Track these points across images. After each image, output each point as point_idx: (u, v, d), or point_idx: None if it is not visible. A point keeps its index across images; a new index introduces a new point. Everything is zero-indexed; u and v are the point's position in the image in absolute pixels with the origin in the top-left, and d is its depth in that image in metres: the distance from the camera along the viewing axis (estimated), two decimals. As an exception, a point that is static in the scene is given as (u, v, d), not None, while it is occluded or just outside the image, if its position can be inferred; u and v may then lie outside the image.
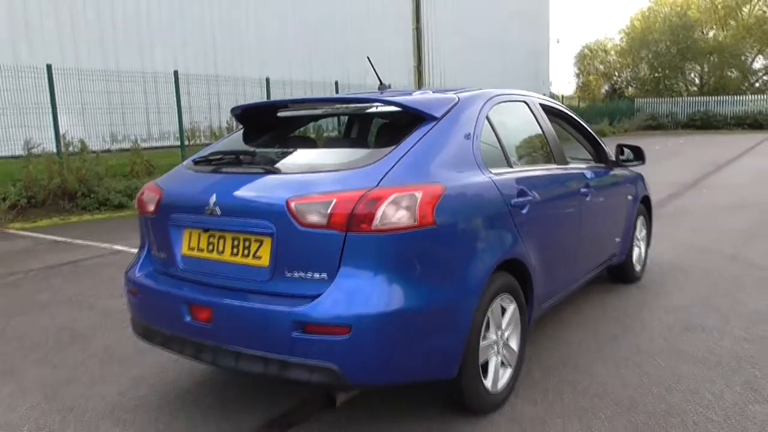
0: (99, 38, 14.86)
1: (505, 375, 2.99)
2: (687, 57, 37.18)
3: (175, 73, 12.05)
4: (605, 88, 41.29)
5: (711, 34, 38.63)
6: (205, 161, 3.08)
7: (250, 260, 2.59)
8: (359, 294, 2.35)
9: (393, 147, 2.66)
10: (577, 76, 42.02)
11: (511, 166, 3.21)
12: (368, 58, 3.77)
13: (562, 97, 36.94)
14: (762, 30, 37.27)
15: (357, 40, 20.25)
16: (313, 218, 2.40)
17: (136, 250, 3.27)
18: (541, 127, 3.74)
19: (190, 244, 2.81)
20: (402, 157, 2.58)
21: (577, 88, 41.29)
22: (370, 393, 3.07)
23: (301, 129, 3.86)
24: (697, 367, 3.32)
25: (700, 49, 37.17)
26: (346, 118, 3.60)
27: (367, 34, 20.86)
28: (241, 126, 3.53)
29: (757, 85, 38.56)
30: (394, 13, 22.66)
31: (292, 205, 2.44)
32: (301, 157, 2.98)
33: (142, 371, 3.56)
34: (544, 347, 3.68)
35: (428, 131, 2.76)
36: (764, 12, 37.67)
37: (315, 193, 2.44)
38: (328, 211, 2.38)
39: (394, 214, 2.38)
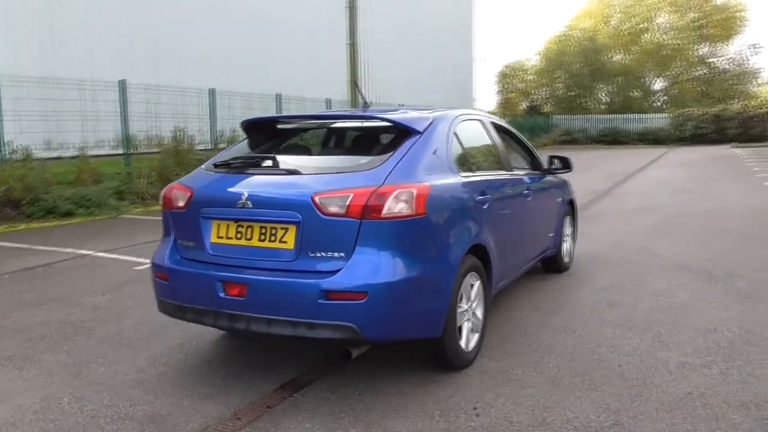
0: (38, 45, 14.67)
1: (474, 338, 3.71)
2: (597, 78, 40.02)
3: (122, 82, 12.19)
4: (524, 104, 43.65)
5: (617, 57, 41.68)
6: (225, 164, 3.66)
7: (276, 244, 3.20)
8: (373, 267, 3.01)
9: (390, 154, 3.35)
10: (499, 93, 44.24)
11: (473, 172, 3.97)
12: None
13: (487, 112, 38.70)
14: (660, 55, 40.65)
15: (297, 54, 20.80)
16: (334, 209, 3.05)
17: (102, 254, 3.75)
18: (492, 141, 4.53)
19: (218, 233, 3.37)
20: (398, 163, 3.27)
21: (498, 105, 43.41)
22: (369, 356, 3.72)
23: (301, 139, 4.48)
24: (618, 330, 4.17)
25: (608, 71, 40.10)
26: (343, 129, 4.25)
27: (308, 49, 21.45)
28: (246, 135, 4.10)
29: (657, 104, 41.89)
30: (333, 29, 23.38)
31: (317, 198, 3.08)
32: (313, 161, 3.63)
33: (153, 353, 4.03)
34: (497, 321, 4.42)
35: (415, 143, 3.46)
36: (661, 40, 41.11)
37: (334, 189, 3.10)
38: (347, 203, 3.04)
39: (397, 205, 3.06)
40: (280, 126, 4.12)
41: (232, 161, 3.66)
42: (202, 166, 3.84)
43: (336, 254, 3.07)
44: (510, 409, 3.07)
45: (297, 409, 3.18)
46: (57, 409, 3.26)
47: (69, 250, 7.40)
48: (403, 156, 3.34)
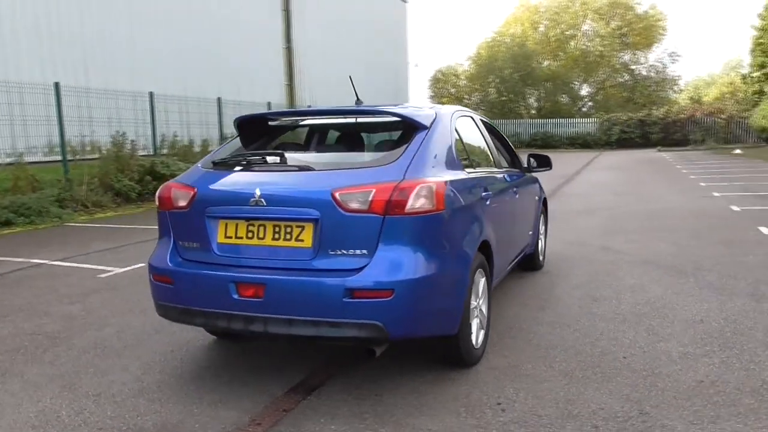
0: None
1: (481, 334, 3.71)
2: (527, 83, 41.29)
3: (57, 85, 11.56)
4: (457, 109, 44.46)
5: (546, 63, 43.16)
6: (225, 162, 3.51)
7: (292, 243, 3.09)
8: (398, 264, 2.96)
9: (403, 149, 3.30)
10: (431, 98, 44.80)
11: (474, 168, 3.98)
12: (350, 77, 4.35)
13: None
14: (586, 62, 42.44)
15: (233, 58, 20.36)
16: (355, 205, 2.98)
17: (59, 263, 3.55)
18: (484, 138, 4.57)
19: (227, 233, 3.23)
20: (413, 158, 3.23)
21: (432, 109, 44.03)
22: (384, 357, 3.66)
23: (303, 135, 4.35)
24: (611, 324, 4.28)
25: (537, 76, 41.46)
26: (348, 125, 4.16)
27: (244, 52, 21.05)
28: (239, 133, 3.93)
29: (584, 109, 43.66)
30: (269, 32, 23.04)
31: (336, 194, 2.99)
32: (323, 157, 3.53)
33: (144, 361, 3.82)
34: (489, 319, 4.45)
35: (424, 137, 3.43)
36: (587, 47, 42.92)
37: (354, 184, 3.02)
38: (369, 198, 2.97)
39: (418, 201, 3.02)
40: (278, 123, 3.99)
41: (234, 159, 3.52)
42: (199, 164, 3.67)
43: (358, 251, 2.99)
44: (533, 403, 3.09)
45: (315, 411, 3.09)
46: (57, 422, 3.04)
47: (20, 259, 6.94)
48: (417, 151, 3.30)
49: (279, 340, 3.78)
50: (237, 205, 3.19)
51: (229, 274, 3.12)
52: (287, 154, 3.36)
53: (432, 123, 3.58)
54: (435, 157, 3.39)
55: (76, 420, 3.07)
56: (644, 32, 41.95)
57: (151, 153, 13.90)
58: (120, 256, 7.10)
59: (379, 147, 3.67)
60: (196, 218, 3.29)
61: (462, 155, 3.83)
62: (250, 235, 3.19)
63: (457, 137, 3.89)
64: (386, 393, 3.27)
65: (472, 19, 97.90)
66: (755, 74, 37.38)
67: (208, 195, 3.29)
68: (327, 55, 25.98)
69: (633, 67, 43.61)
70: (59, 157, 11.63)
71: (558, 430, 2.81)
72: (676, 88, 43.36)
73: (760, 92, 36.68)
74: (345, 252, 3.01)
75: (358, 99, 4.22)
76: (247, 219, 3.18)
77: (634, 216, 9.45)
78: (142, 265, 6.53)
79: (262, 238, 3.16)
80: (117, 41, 16.55)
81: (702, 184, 14.14)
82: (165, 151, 13.83)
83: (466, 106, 44.62)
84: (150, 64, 17.14)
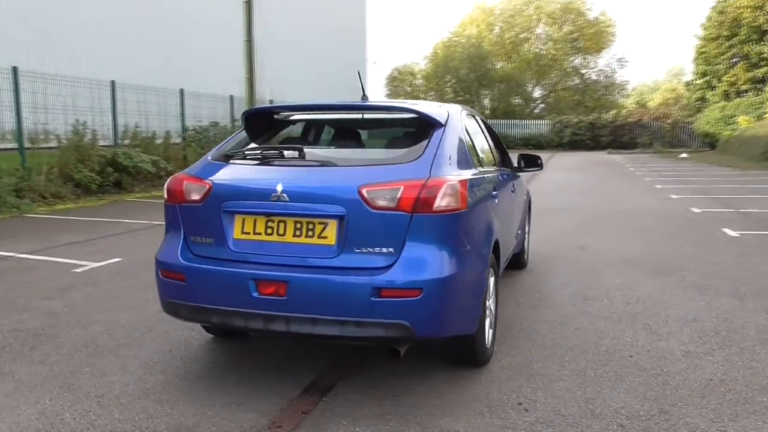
0: None
1: (490, 333, 3.71)
2: (482, 84, 41.86)
3: (15, 69, 10.98)
4: (413, 107, 44.74)
5: (500, 65, 43.83)
6: (239, 156, 3.39)
7: (315, 240, 3.00)
8: (426, 263, 2.91)
9: (423, 146, 3.24)
10: (388, 96, 44.87)
11: (483, 166, 3.97)
12: (358, 72, 4.27)
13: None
14: (538, 65, 43.33)
15: (195, 50, 19.83)
16: (383, 202, 2.92)
17: (27, 256, 3.40)
18: (486, 136, 4.57)
19: (243, 229, 3.11)
20: (435, 155, 3.18)
21: (388, 107, 44.15)
22: (374, 355, 3.61)
23: (317, 129, 4.23)
24: (608, 323, 4.35)
25: (491, 77, 42.08)
26: (364, 120, 4.08)
27: (206, 44, 20.53)
28: (246, 126, 3.80)
29: (536, 111, 44.59)
30: (230, 24, 22.53)
31: (364, 191, 2.92)
32: (343, 153, 3.44)
33: (143, 361, 3.66)
34: (497, 318, 4.47)
35: (442, 135, 3.38)
36: (540, 50, 43.84)
37: (382, 181, 2.95)
38: (397, 196, 2.91)
39: (445, 199, 2.98)
40: (288, 116, 3.87)
41: (250, 152, 3.40)
42: (209, 157, 3.52)
43: (384, 249, 2.93)
44: (554, 402, 3.10)
45: (335, 413, 3.01)
46: (62, 425, 2.88)
47: (-19, 250, 6.56)
48: (437, 148, 3.25)
49: (296, 339, 3.68)
50: (256, 200, 3.08)
51: (248, 271, 3.00)
52: (308, 149, 3.27)
53: (446, 120, 3.54)
54: (454, 154, 3.35)
55: (82, 423, 2.90)
56: (594, 38, 43.13)
57: (112, 144, 13.39)
58: (90, 250, 6.80)
59: (397, 143, 3.61)
60: (211, 213, 3.16)
61: (473, 153, 3.82)
62: (269, 231, 3.08)
63: (467, 136, 3.87)
64: (403, 393, 3.23)
65: (429, 19, 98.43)
66: (698, 81, 38.99)
67: (224, 189, 3.16)
68: (288, 50, 25.63)
69: (583, 71, 44.80)
70: (13, 145, 11.06)
71: (585, 429, 2.82)
72: (623, 92, 44.77)
73: (702, 99, 38.30)
74: (370, 250, 2.94)
75: (364, 94, 4.15)
76: (267, 215, 3.07)
77: (605, 216, 9.67)
78: (118, 260, 6.29)
79: (282, 235, 3.06)
80: (76, 27, 15.84)
81: (658, 186, 14.61)
82: (126, 141, 13.33)
83: (422, 104, 45.22)
84: (110, 53, 16.48)
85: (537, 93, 45.75)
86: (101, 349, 3.86)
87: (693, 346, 3.86)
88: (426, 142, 3.30)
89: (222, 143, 3.70)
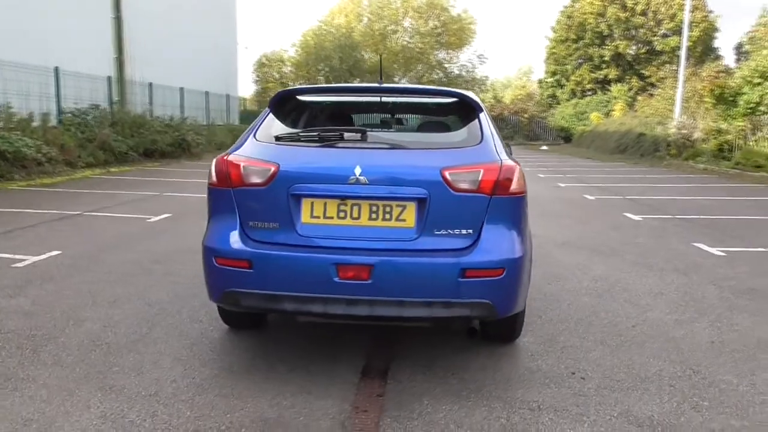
0: None
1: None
2: (354, 74, 42.18)
3: None
4: (283, 95, 44.07)
5: (370, 55, 44.41)
6: (293, 137, 3.29)
7: (392, 223, 3.01)
8: (505, 243, 3.04)
9: (478, 130, 3.33)
10: (256, 82, 43.78)
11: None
12: (380, 56, 4.23)
13: (245, 99, 38.20)
14: (405, 57, 44.54)
15: (61, 26, 17.99)
16: (464, 185, 2.99)
17: None
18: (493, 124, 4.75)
19: (313, 213, 3.03)
20: (492, 140, 3.31)
21: (256, 94, 42.97)
22: (423, 336, 3.69)
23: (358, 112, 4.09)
24: (592, 299, 4.72)
25: (362, 68, 42.53)
26: (409, 104, 4.02)
27: (73, 21, 18.70)
28: (278, 108, 3.65)
29: (404, 102, 45.77)
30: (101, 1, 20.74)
31: (446, 174, 2.98)
32: (406, 136, 3.43)
33: (173, 356, 3.45)
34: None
35: (486, 119, 3.50)
36: (407, 42, 45.08)
37: (462, 164, 3.02)
38: (479, 178, 3.00)
39: (517, 182, 3.12)
40: (326, 98, 3.76)
41: (305, 134, 3.30)
42: (253, 138, 3.33)
43: (464, 231, 3.01)
44: (601, 370, 3.37)
45: (410, 394, 3.06)
46: (134, 428, 2.66)
47: None
48: (491, 133, 3.37)
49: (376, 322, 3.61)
50: (331, 183, 3.01)
51: (329, 256, 2.93)
52: (370, 132, 3.23)
53: (482, 105, 3.67)
54: (499, 139, 3.49)
55: (155, 423, 2.70)
56: (457, 33, 45.10)
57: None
58: (16, 243, 6.09)
59: (448, 127, 3.66)
60: (277, 196, 3.03)
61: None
62: (342, 215, 3.02)
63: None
64: (459, 372, 3.33)
65: (298, 6, 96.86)
66: (549, 80, 42.43)
67: (294, 172, 3.05)
68: (157, 30, 24.04)
69: (447, 65, 46.71)
70: None
71: (645, 391, 3.11)
72: (483, 87, 47.30)
73: (553, 96, 41.75)
74: (451, 231, 3.00)
75: (381, 79, 4.14)
76: (341, 198, 3.01)
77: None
78: (58, 252, 5.73)
79: (357, 218, 3.02)
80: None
81: (541, 175, 15.79)
82: (0, 124, 11.85)
83: (292, 92, 44.70)
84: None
85: (404, 84, 47.03)
86: (114, 346, 3.55)
87: (677, 315, 4.35)
88: (477, 126, 3.40)
89: (255, 124, 3.51)
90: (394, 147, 3.22)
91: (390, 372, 3.32)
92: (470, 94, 3.72)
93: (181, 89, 22.52)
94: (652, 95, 27.06)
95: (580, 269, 5.67)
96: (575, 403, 2.97)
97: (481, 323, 3.60)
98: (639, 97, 30.76)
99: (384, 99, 3.88)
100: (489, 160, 3.09)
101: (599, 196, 11.36)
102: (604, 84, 38.22)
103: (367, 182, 2.97)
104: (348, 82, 43.03)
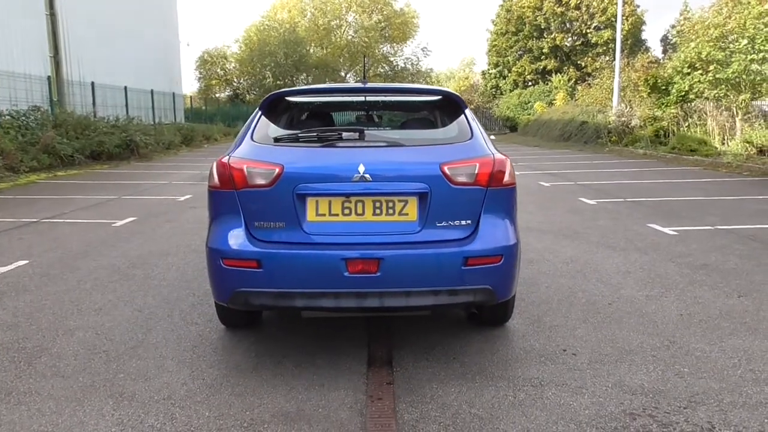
0: None
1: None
2: (300, 69, 41.97)
3: None
4: (227, 92, 43.39)
5: (313, 51, 44.25)
6: (291, 138, 3.36)
7: (396, 217, 3.13)
8: (501, 232, 3.21)
9: (466, 125, 3.50)
10: (199, 79, 42.96)
11: None
12: (364, 56, 4.31)
13: (190, 97, 37.44)
14: (350, 51, 44.59)
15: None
16: (462, 179, 3.15)
17: None
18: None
19: (318, 211, 3.13)
20: (481, 134, 3.48)
21: (199, 91, 42.16)
22: (417, 325, 3.84)
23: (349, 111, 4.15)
24: (567, 279, 4.96)
25: (307, 62, 42.36)
26: (398, 102, 4.12)
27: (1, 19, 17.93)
28: (270, 110, 3.70)
29: (350, 97, 45.76)
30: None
31: (446, 168, 3.13)
32: (401, 133, 3.54)
33: (176, 359, 3.48)
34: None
35: (470, 115, 3.67)
36: (351, 37, 45.14)
37: (459, 159, 3.18)
38: (475, 172, 3.16)
39: (509, 174, 3.30)
40: (318, 99, 3.84)
41: (304, 135, 3.38)
42: (249, 140, 3.38)
43: (463, 222, 3.17)
44: (589, 346, 3.59)
45: (418, 380, 3.20)
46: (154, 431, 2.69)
47: None
48: (478, 128, 3.54)
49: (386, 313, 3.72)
50: (336, 181, 3.11)
51: (338, 252, 3.03)
52: (366, 130, 3.34)
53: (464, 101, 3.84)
54: (485, 133, 3.66)
55: (176, 425, 2.74)
56: (401, 27, 45.50)
57: None
58: (-21, 255, 5.89)
59: (437, 123, 3.79)
60: (282, 197, 3.11)
61: None
62: (346, 211, 3.13)
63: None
64: (460, 355, 3.49)
65: (239, 2, 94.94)
66: (492, 71, 43.24)
67: (298, 172, 3.12)
68: (96, 26, 23.33)
69: (392, 59, 47.05)
70: None
71: (631, 363, 3.34)
72: (429, 79, 47.85)
73: (497, 87, 42.58)
74: (451, 223, 3.16)
75: (364, 78, 4.25)
76: (346, 195, 3.11)
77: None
78: (25, 262, 5.63)
79: (361, 215, 3.13)
80: None
81: (493, 165, 16.16)
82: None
83: (235, 89, 43.73)
84: None
85: (350, 79, 47.03)
86: (113, 353, 3.54)
87: (646, 292, 4.64)
88: (465, 122, 3.56)
89: (249, 125, 3.56)
90: (392, 145, 3.34)
91: (394, 361, 3.45)
92: (453, 91, 3.87)
93: (125, 88, 21.89)
94: (591, 85, 28.00)
95: (551, 252, 5.94)
96: (572, 378, 3.17)
97: (477, 308, 3.77)
98: (579, 87, 31.76)
99: (374, 98, 3.99)
100: (482, 154, 3.26)
101: (553, 183, 11.78)
102: (544, 74, 39.26)
103: (371, 179, 3.08)
104: (294, 77, 42.80)
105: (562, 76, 37.18)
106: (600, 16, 37.03)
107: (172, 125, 24.24)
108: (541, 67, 39.43)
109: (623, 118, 21.36)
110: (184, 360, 3.45)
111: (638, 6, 37.35)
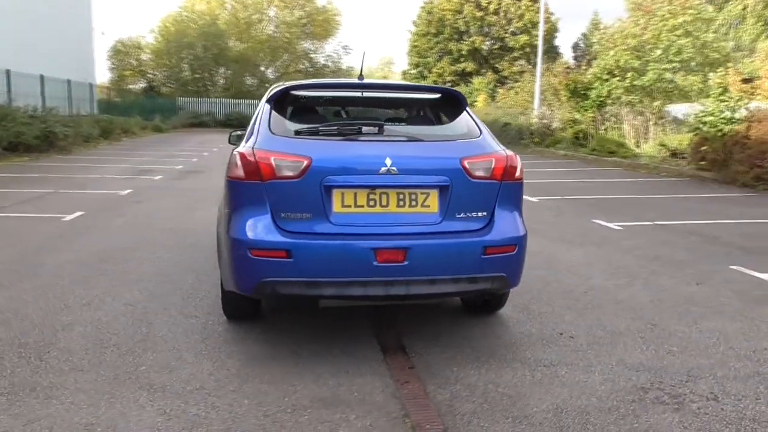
0: None
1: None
2: (219, 62, 40.88)
3: None
4: (141, 84, 41.65)
5: (235, 44, 43.26)
6: (312, 131, 3.43)
7: (418, 209, 3.29)
8: (513, 222, 3.44)
9: (473, 122, 3.70)
10: (112, 70, 40.93)
11: None
12: (363, 53, 4.38)
13: (108, 89, 35.73)
14: (271, 47, 43.97)
15: None
16: (480, 173, 3.35)
17: None
18: None
19: (344, 202, 3.23)
20: (488, 132, 3.69)
21: (112, 82, 40.19)
22: (417, 313, 4.01)
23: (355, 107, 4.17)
24: (540, 271, 5.25)
25: (227, 56, 41.34)
26: (403, 99, 4.25)
27: None
28: (278, 104, 3.73)
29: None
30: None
31: (465, 163, 3.31)
32: (417, 129, 3.68)
33: (191, 351, 3.48)
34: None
35: (472, 112, 3.87)
36: (273, 32, 44.52)
37: (478, 154, 3.37)
38: (491, 166, 3.36)
39: (520, 169, 3.53)
40: (325, 94, 3.90)
41: (324, 128, 3.46)
42: (271, 132, 3.41)
43: (480, 213, 3.37)
44: (581, 330, 3.89)
45: (438, 365, 3.37)
46: (198, 420, 2.73)
47: None
48: (483, 125, 3.75)
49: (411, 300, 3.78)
50: (363, 174, 3.21)
51: (366, 242, 3.15)
52: (384, 125, 3.46)
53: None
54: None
55: (221, 414, 2.78)
56: (323, 24, 45.28)
57: None
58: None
59: (444, 119, 3.92)
60: (311, 188, 3.18)
61: None
62: (371, 203, 3.24)
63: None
64: (467, 341, 3.70)
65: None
66: (412, 71, 43.96)
67: (326, 165, 3.20)
68: (6, 12, 21.84)
69: (312, 55, 46.77)
70: None
71: (624, 344, 3.66)
72: (348, 77, 47.97)
73: (419, 87, 43.25)
74: (469, 215, 3.35)
75: (361, 75, 4.34)
76: (371, 188, 3.23)
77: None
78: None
79: (386, 206, 3.25)
80: None
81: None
82: None
83: (150, 81, 42.09)
84: None
85: (270, 74, 46.39)
86: (124, 347, 3.48)
87: (614, 281, 5.02)
88: (471, 119, 3.76)
89: (260, 118, 3.58)
90: (411, 139, 3.49)
91: (407, 348, 3.59)
92: (455, 89, 4.06)
93: (42, 77, 20.62)
94: (512, 88, 29.10)
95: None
96: (578, 358, 3.45)
97: (490, 295, 3.95)
98: (499, 90, 32.92)
99: (380, 95, 4.11)
100: (495, 150, 3.47)
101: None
102: (464, 76, 40.37)
103: (397, 172, 3.22)
104: (213, 71, 41.73)
105: (483, 78, 38.39)
106: (517, 22, 38.52)
107: (90, 117, 23.06)
108: (461, 69, 40.52)
109: (545, 121, 22.39)
110: (201, 352, 3.45)
111: (552, 13, 39.20)
